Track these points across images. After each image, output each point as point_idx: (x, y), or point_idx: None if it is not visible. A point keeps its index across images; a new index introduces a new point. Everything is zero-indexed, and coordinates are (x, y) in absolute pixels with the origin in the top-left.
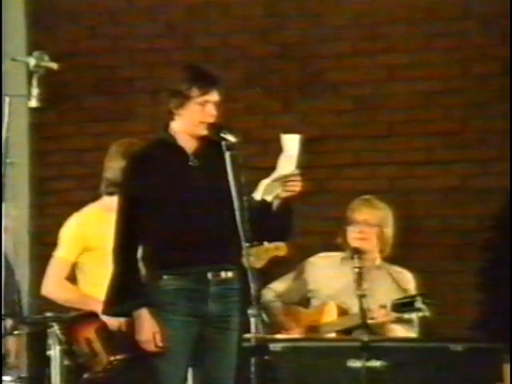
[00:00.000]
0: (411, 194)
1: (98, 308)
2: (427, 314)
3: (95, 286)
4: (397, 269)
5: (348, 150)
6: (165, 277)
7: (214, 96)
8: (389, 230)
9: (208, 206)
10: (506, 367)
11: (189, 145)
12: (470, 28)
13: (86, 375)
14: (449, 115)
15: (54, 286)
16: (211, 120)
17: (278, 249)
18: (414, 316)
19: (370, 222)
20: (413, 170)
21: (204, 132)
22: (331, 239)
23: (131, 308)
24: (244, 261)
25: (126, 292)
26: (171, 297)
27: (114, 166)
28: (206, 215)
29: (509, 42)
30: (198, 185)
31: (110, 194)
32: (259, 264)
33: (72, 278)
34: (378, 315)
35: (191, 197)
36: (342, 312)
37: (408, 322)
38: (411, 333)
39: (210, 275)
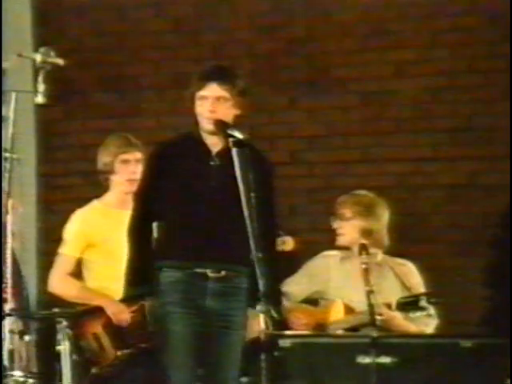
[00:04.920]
0: (418, 191)
1: (104, 303)
2: (432, 312)
3: (100, 281)
4: (399, 261)
5: (355, 146)
6: (164, 269)
7: (212, 91)
8: (370, 223)
9: (221, 205)
10: None
11: (215, 143)
12: (476, 24)
13: (94, 370)
14: (455, 112)
15: (58, 282)
16: (209, 115)
17: (284, 243)
18: (418, 315)
19: (344, 216)
20: (419, 166)
21: (209, 127)
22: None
23: (146, 292)
24: (252, 257)
25: (140, 274)
26: (169, 289)
27: (97, 163)
28: (217, 214)
29: (509, 40)
30: (215, 184)
31: (105, 189)
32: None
33: (79, 274)
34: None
35: (205, 195)
36: (349, 310)
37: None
38: (428, 327)
39: (209, 272)
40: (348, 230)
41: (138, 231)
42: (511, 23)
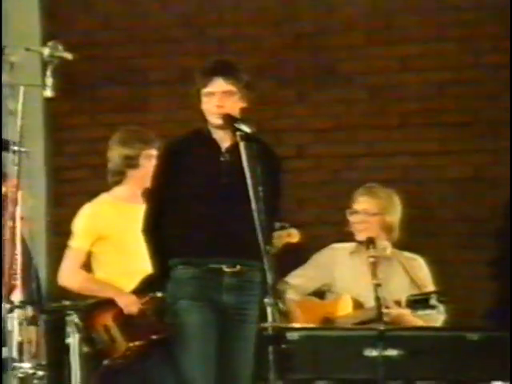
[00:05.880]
0: (424, 184)
1: (114, 295)
2: (442, 311)
3: (109, 273)
4: (408, 255)
5: (361, 140)
6: (180, 266)
7: (218, 86)
8: (392, 218)
9: (232, 201)
10: None
11: (224, 139)
12: (482, 18)
13: (105, 362)
14: (461, 105)
15: (69, 275)
16: (217, 110)
17: (290, 235)
18: (428, 313)
19: (370, 212)
20: (426, 159)
21: (218, 122)
22: (344, 229)
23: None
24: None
25: (159, 272)
26: (185, 284)
27: (114, 156)
28: (229, 210)
29: (509, 39)
30: (225, 180)
31: (116, 183)
32: (272, 250)
33: (88, 267)
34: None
35: (216, 191)
36: (357, 305)
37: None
38: (436, 323)
39: (224, 267)
40: (370, 225)
41: (153, 230)
42: (511, 21)
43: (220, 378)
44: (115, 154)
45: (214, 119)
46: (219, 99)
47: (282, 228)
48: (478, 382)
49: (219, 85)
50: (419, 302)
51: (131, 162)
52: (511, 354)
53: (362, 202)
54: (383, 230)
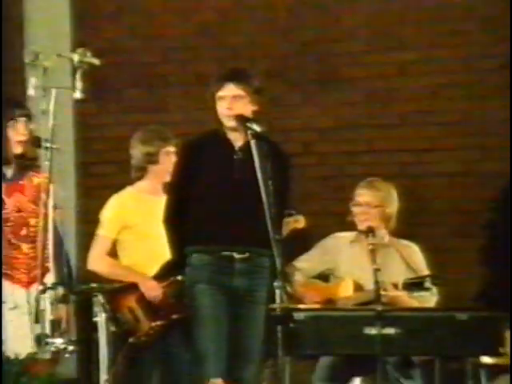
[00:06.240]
0: (420, 179)
1: (138, 280)
2: (435, 292)
3: (133, 259)
4: (404, 243)
5: (362, 138)
6: (195, 254)
7: (229, 91)
8: (391, 209)
9: (244, 195)
10: (507, 334)
11: (238, 139)
12: (472, 28)
13: (131, 340)
14: (453, 107)
15: (97, 261)
16: (227, 113)
17: (296, 221)
18: (422, 294)
19: (372, 204)
20: (421, 156)
21: (230, 123)
22: (347, 219)
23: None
24: (270, 237)
25: (176, 261)
26: (200, 270)
27: (136, 153)
28: (240, 203)
29: (509, 39)
30: (238, 176)
31: (139, 178)
32: (281, 237)
33: (114, 254)
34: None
35: (229, 186)
36: (358, 288)
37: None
38: (429, 304)
39: (235, 254)
40: (371, 216)
41: (173, 221)
42: (511, 26)
43: (233, 354)
44: (137, 151)
45: (227, 121)
46: (229, 102)
47: (290, 215)
48: (467, 357)
49: (230, 89)
50: (414, 285)
51: (151, 159)
52: None
53: (364, 195)
54: (382, 220)
